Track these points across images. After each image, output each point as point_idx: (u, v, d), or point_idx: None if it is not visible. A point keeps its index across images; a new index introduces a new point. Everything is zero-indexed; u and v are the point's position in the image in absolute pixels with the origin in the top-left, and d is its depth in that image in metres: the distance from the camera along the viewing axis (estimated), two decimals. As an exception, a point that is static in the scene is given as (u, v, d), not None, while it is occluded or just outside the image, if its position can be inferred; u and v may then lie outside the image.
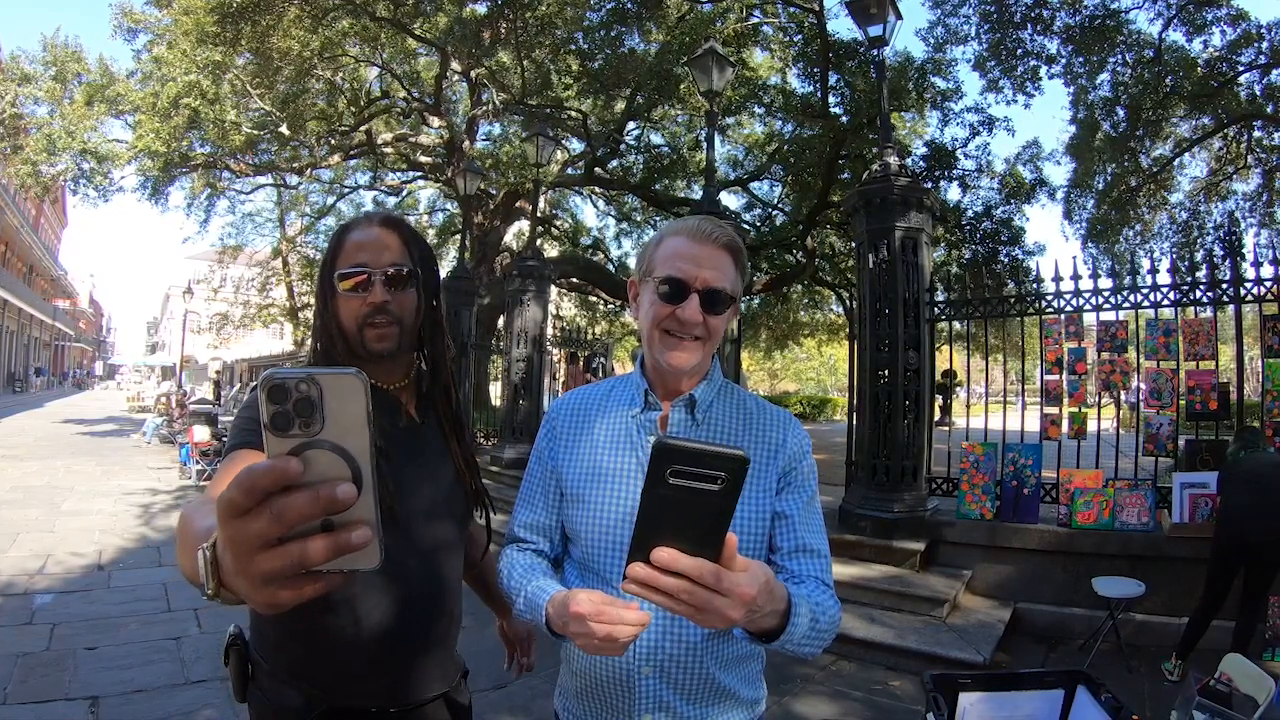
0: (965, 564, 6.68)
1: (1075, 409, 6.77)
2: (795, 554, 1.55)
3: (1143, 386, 6.64)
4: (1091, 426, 6.92)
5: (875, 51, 8.16)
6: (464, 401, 2.29)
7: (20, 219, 39.31)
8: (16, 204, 36.38)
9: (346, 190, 25.03)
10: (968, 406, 7.34)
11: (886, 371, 7.14)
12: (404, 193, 25.73)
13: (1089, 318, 6.83)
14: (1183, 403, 6.45)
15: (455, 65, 17.80)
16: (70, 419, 24.92)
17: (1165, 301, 6.42)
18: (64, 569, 7.17)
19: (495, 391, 18.47)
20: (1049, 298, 6.86)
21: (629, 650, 1.36)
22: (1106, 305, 6.60)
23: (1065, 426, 6.75)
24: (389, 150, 20.68)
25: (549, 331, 13.42)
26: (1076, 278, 6.70)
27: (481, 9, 16.37)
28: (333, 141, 19.42)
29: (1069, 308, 6.75)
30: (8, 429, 20.94)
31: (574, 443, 1.69)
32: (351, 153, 20.63)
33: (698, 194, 16.30)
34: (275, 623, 1.68)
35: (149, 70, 16.47)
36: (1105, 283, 6.64)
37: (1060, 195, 19.68)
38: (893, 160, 7.35)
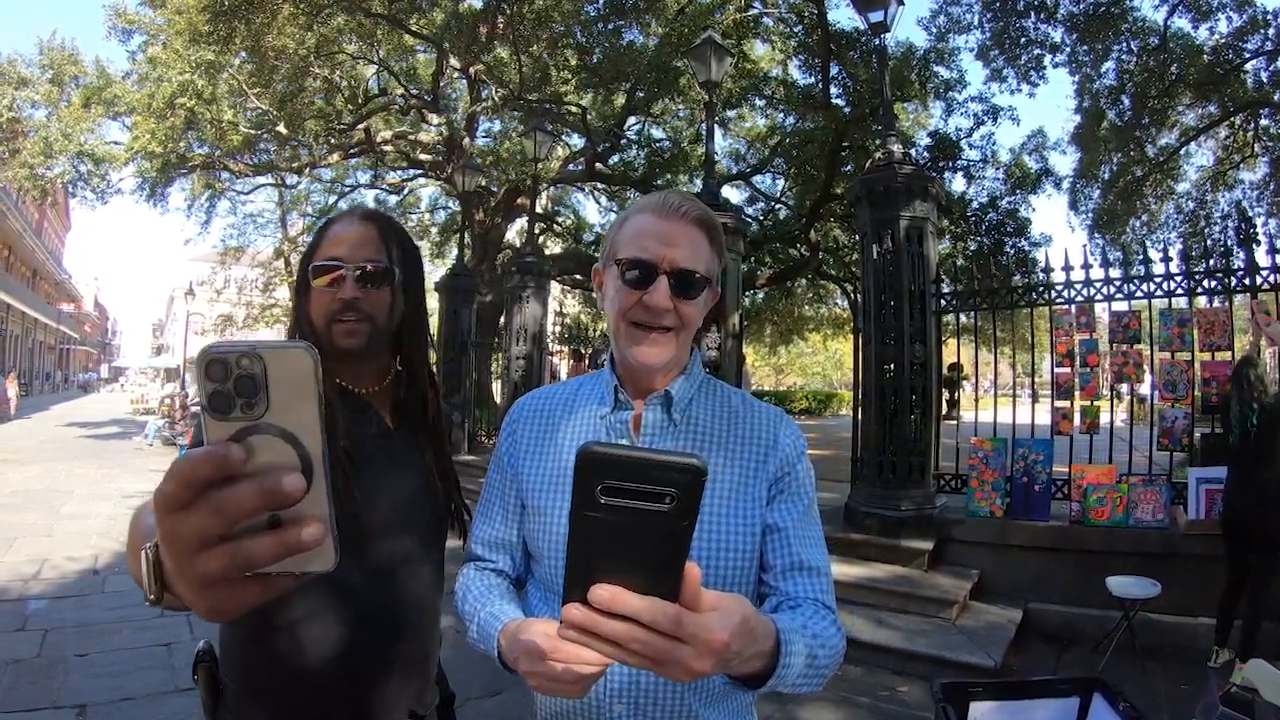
0: (975, 563, 6.49)
1: (1087, 402, 6.61)
2: (790, 573, 1.36)
3: (1152, 378, 6.49)
4: (1104, 420, 6.75)
5: (877, 39, 8.00)
6: (447, 411, 2.16)
7: (22, 223, 39.37)
8: (19, 208, 36.41)
9: (347, 189, 24.97)
10: (976, 401, 7.21)
11: (892, 365, 6.97)
12: (405, 191, 25.76)
13: (1100, 308, 6.67)
14: (1198, 395, 6.27)
15: (454, 62, 17.75)
16: (74, 422, 24.92)
17: (1179, 290, 6.25)
18: (59, 574, 7.09)
19: (499, 390, 18.42)
20: (1059, 287, 6.68)
21: (599, 683, 1.20)
22: (1118, 295, 6.42)
23: (1077, 420, 6.58)
24: (389, 148, 20.64)
25: (551, 329, 13.29)
26: (1087, 267, 6.52)
27: (478, 3, 16.32)
28: (332, 140, 19.44)
29: (1079, 298, 6.58)
30: (11, 432, 21.04)
31: (536, 448, 1.52)
32: (351, 151, 20.64)
33: (700, 188, 16.22)
34: (241, 641, 1.60)
35: (145, 71, 16.42)
36: (1116, 272, 6.47)
37: (1066, 185, 19.60)
38: (896, 148, 7.17)
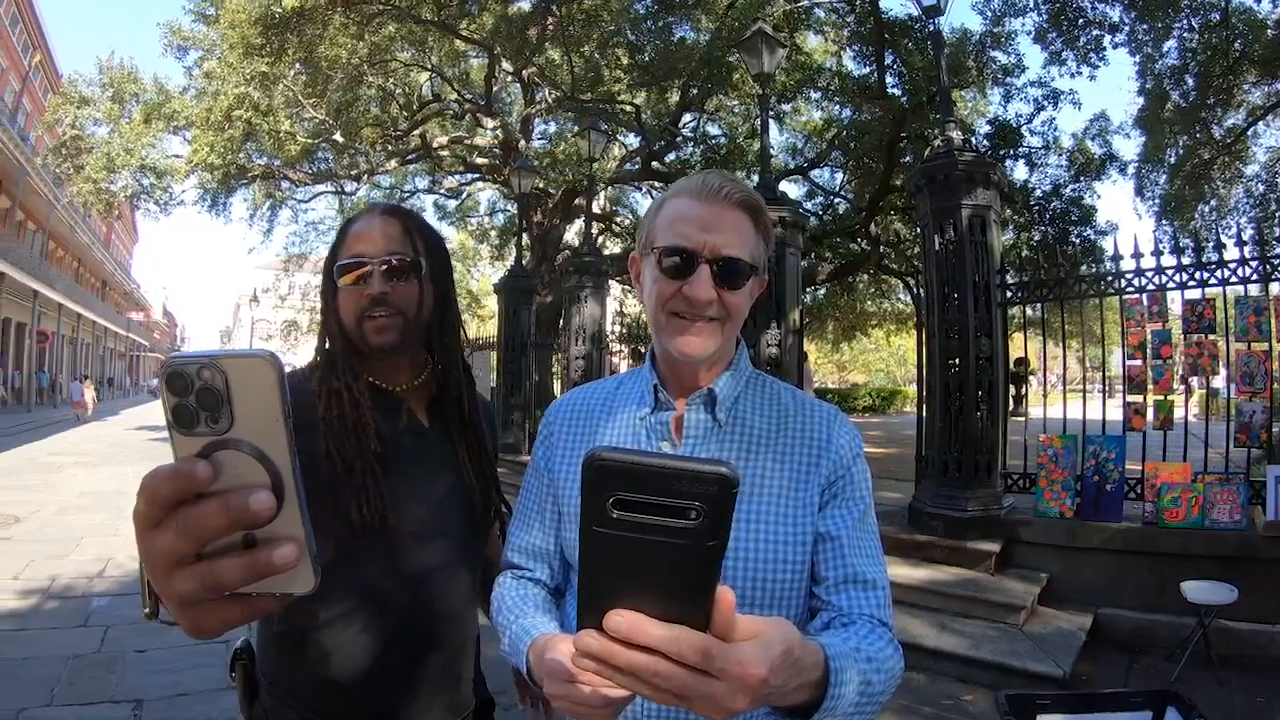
0: (1043, 566, 6.24)
1: (1161, 396, 6.32)
2: (844, 586, 1.25)
3: (1227, 371, 6.19)
4: (1178, 415, 6.45)
5: (931, 22, 7.79)
6: (487, 406, 2.04)
7: (91, 237, 40.84)
8: (86, 223, 37.64)
9: (406, 195, 25.19)
10: (1044, 396, 6.98)
11: (957, 360, 6.75)
12: (464, 195, 25.99)
13: (1173, 296, 6.38)
14: (1277, 388, 5.97)
15: (506, 65, 17.86)
16: (143, 425, 25.52)
17: (1254, 276, 5.91)
18: (123, 572, 7.23)
19: (559, 390, 18.50)
20: (1129, 275, 6.34)
21: (630, 707, 1.10)
22: (1191, 283, 6.10)
23: (1150, 416, 6.29)
24: (445, 153, 20.82)
25: (610, 328, 13.25)
26: (1158, 253, 6.19)
27: (526, 6, 16.39)
28: (389, 147, 19.72)
29: (1150, 286, 6.26)
30: (85, 435, 21.89)
31: (573, 452, 1.43)
32: (408, 158, 20.88)
33: (756, 183, 16.12)
34: (273, 641, 1.61)
35: (201, 86, 16.97)
36: (1188, 259, 6.15)
37: (1131, 171, 18.92)
38: (955, 135, 6.95)
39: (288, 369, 1.88)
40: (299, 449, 1.51)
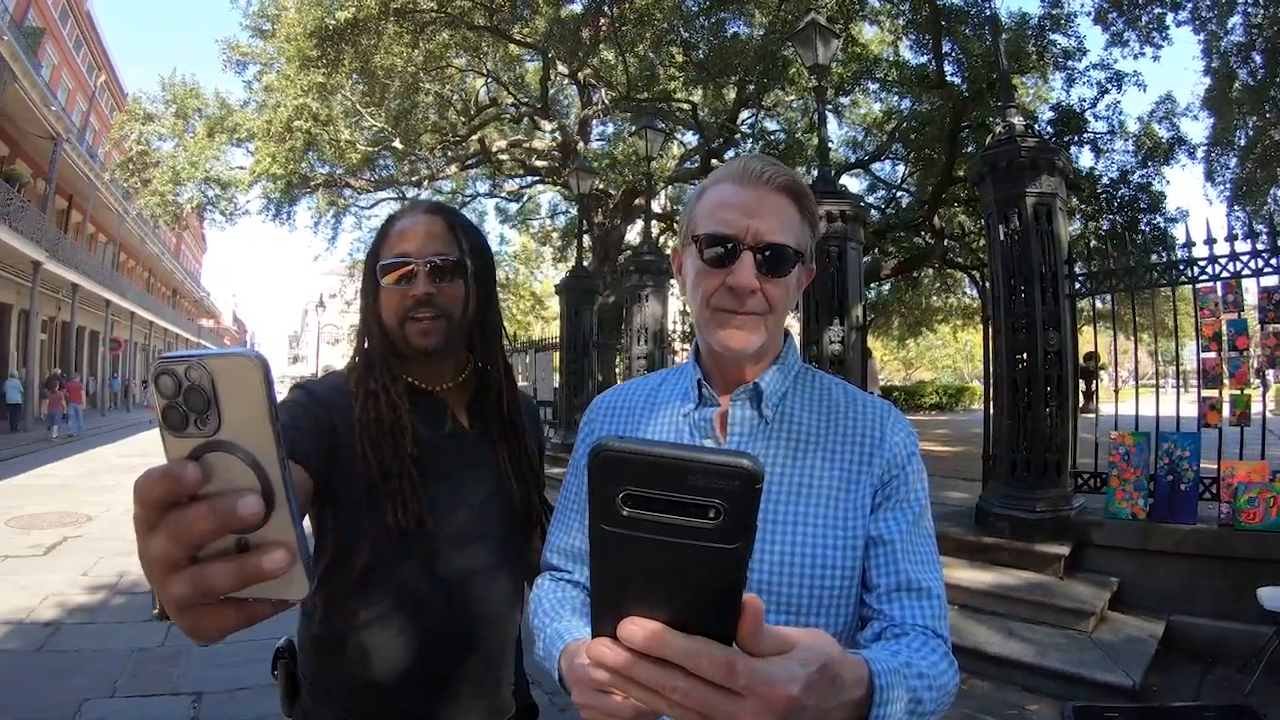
0: (1114, 570, 5.97)
1: (1238, 391, 6.02)
2: (896, 594, 1.16)
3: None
4: (1256, 410, 6.15)
5: (988, 6, 7.58)
6: (531, 407, 1.99)
7: (160, 247, 42.28)
8: (155, 234, 38.84)
9: (467, 199, 25.50)
10: (1115, 392, 6.77)
11: (1025, 355, 6.52)
12: (524, 198, 26.24)
13: (1248, 285, 6.05)
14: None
15: (561, 68, 17.96)
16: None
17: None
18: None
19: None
20: (1202, 263, 6.05)
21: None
22: (1267, 270, 5.77)
23: (1226, 411, 5.98)
24: (504, 157, 21.05)
25: (672, 327, 13.17)
26: (1232, 239, 5.89)
27: (578, 8, 16.47)
28: (449, 153, 20.03)
29: (1225, 274, 5.95)
30: (156, 438, 22.04)
31: None
32: (468, 162, 21.23)
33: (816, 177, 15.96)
34: (312, 642, 1.62)
35: (261, 99, 17.48)
36: (1264, 244, 5.83)
37: (1200, 154, 18.22)
38: (1017, 121, 6.74)
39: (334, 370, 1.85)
40: (336, 451, 1.47)
